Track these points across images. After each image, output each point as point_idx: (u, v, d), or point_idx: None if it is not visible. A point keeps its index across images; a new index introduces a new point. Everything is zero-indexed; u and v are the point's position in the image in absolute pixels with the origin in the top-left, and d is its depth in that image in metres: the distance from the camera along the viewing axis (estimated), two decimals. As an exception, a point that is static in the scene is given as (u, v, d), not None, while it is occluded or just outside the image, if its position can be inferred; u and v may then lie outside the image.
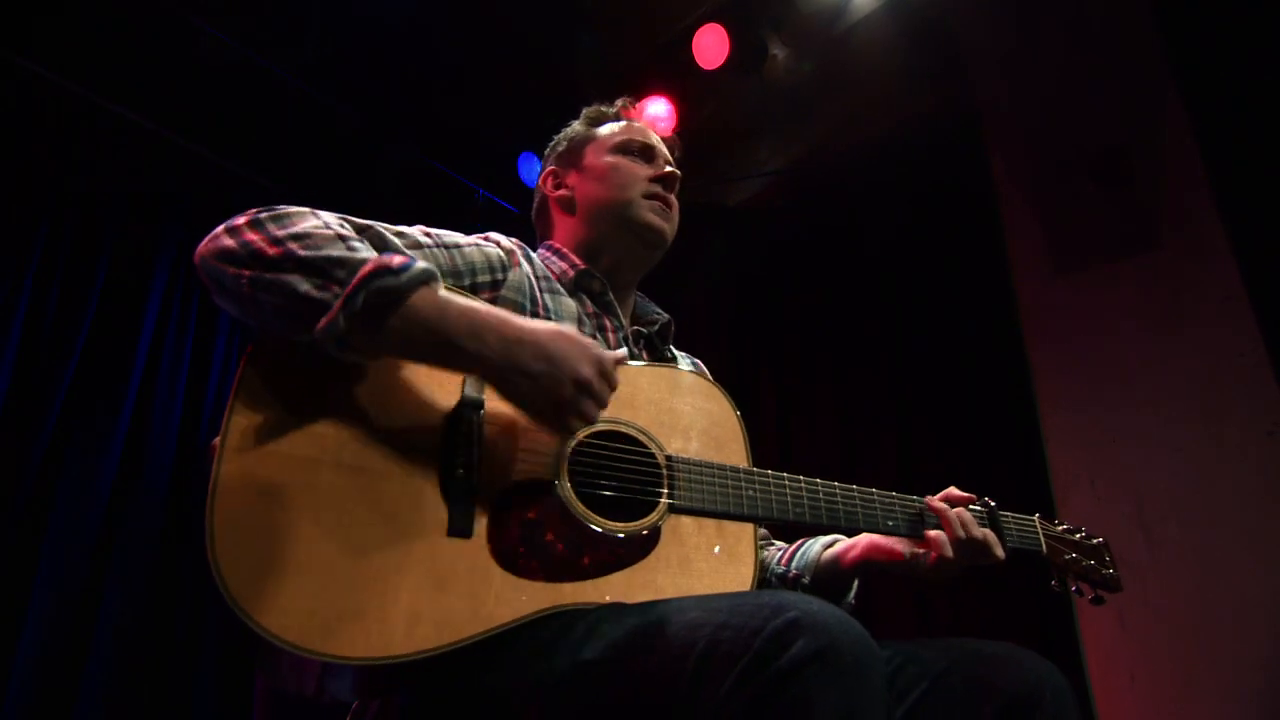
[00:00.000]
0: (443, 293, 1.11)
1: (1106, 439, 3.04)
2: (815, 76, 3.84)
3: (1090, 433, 3.09)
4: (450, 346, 1.08)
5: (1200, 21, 3.15)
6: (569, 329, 1.17)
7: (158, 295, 3.58)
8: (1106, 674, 2.83)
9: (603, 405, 1.16)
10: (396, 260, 1.08)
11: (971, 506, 1.50)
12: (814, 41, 3.73)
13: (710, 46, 3.69)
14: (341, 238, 1.11)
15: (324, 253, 1.07)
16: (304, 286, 1.04)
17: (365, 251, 1.11)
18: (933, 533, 1.43)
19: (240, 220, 1.12)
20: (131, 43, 3.30)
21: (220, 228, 1.12)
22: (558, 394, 1.11)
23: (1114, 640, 2.82)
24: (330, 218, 1.17)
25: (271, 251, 1.07)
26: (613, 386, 1.17)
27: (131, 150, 3.55)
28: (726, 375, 1.46)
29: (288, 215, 1.13)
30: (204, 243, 1.12)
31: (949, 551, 1.40)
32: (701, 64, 3.71)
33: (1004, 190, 3.60)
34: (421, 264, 1.10)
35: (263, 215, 1.13)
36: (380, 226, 1.25)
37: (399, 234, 1.30)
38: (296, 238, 1.09)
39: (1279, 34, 2.88)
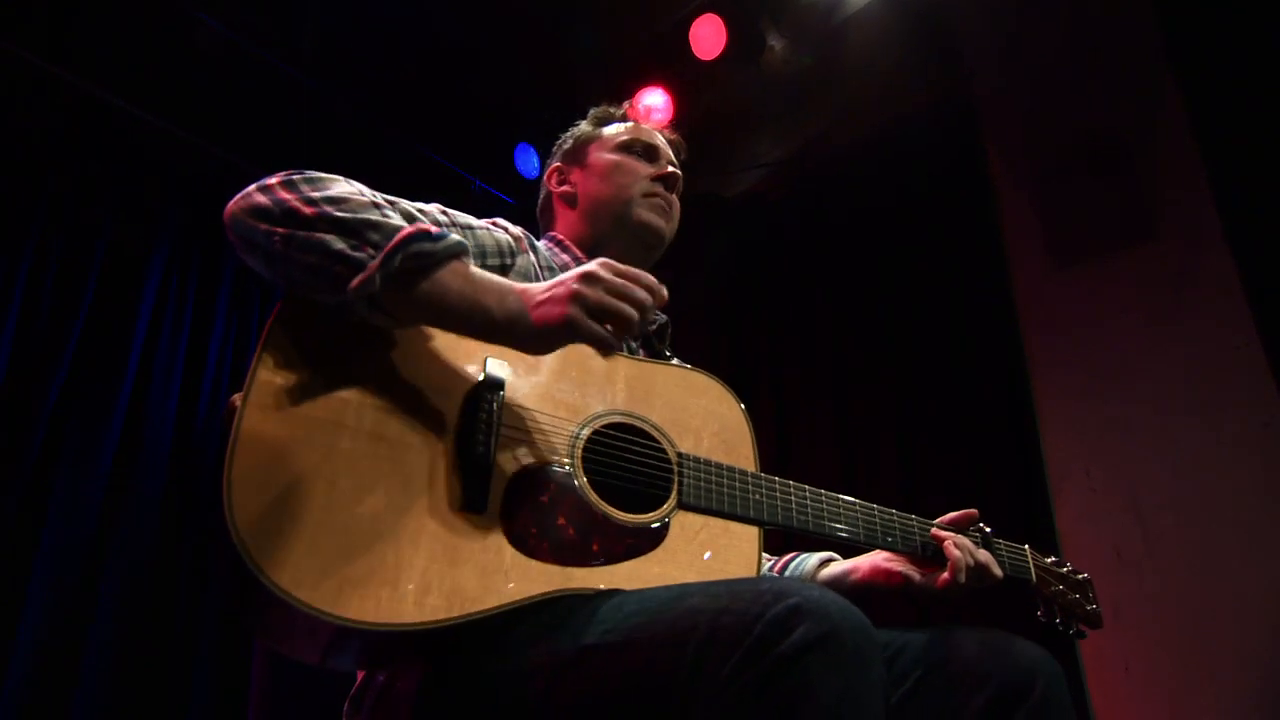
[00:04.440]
0: (472, 265, 1.14)
1: (1103, 430, 3.04)
2: (813, 68, 3.84)
3: (1086, 424, 3.10)
4: (479, 310, 1.10)
5: (1198, 12, 3.15)
6: None
7: (154, 283, 3.58)
8: (1101, 664, 2.84)
9: (617, 293, 1.10)
10: (435, 228, 1.12)
11: (968, 531, 1.52)
12: (811, 32, 3.72)
13: (707, 37, 3.67)
14: (375, 204, 1.14)
15: (360, 215, 1.09)
16: (339, 245, 1.06)
17: (398, 219, 1.13)
18: (946, 552, 1.43)
19: (273, 180, 1.13)
20: (126, 31, 3.29)
21: (252, 186, 1.13)
22: (564, 287, 1.09)
23: (1109, 630, 2.80)
24: (360, 186, 1.18)
25: (307, 211, 1.08)
26: (626, 276, 1.12)
27: (125, 139, 3.54)
28: (722, 367, 1.47)
29: (320, 178, 1.15)
30: (235, 200, 1.13)
31: (960, 578, 1.41)
32: (698, 55, 3.69)
33: (1001, 182, 3.60)
34: (455, 236, 1.13)
35: (295, 176, 1.14)
36: (403, 203, 1.26)
37: (419, 210, 1.31)
38: (331, 200, 1.10)
39: (1277, 26, 2.88)
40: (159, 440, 3.44)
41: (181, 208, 3.75)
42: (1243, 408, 2.75)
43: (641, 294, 1.12)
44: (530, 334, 1.10)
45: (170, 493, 3.41)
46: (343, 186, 1.15)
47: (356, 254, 1.05)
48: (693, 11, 3.69)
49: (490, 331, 1.12)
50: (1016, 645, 1.25)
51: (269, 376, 1.05)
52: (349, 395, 1.09)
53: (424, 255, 1.08)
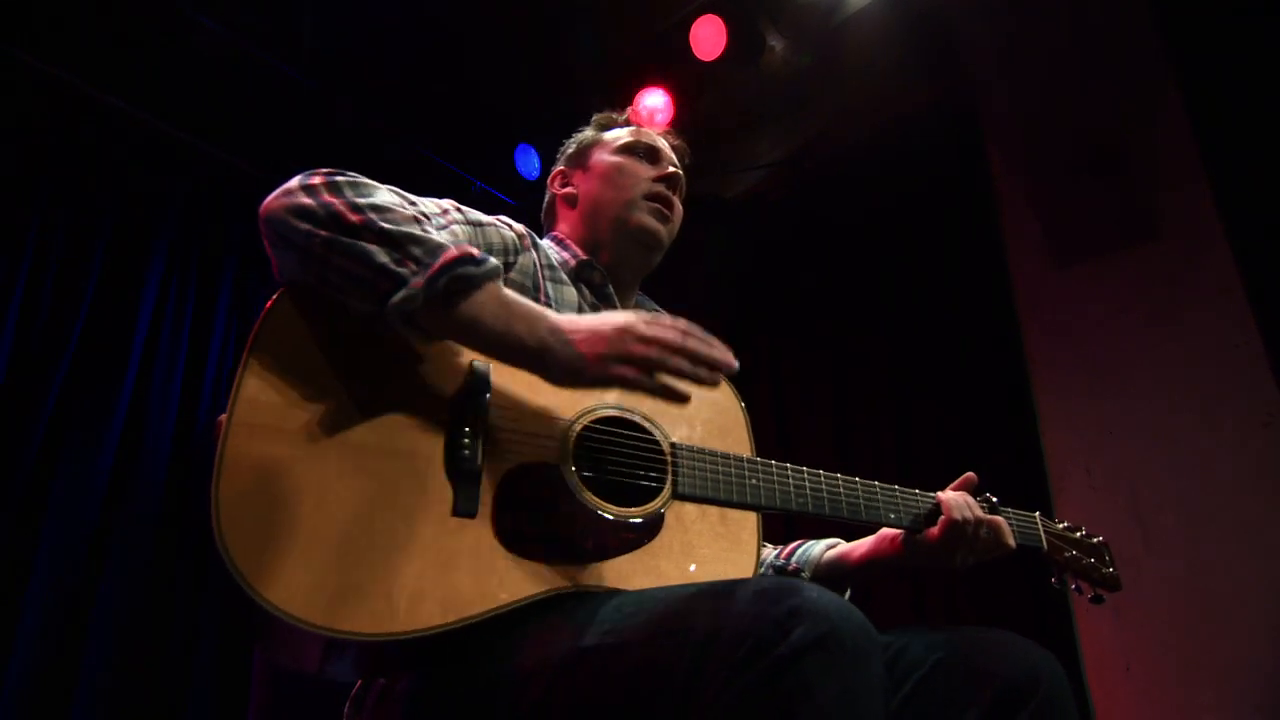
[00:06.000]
0: (505, 288, 1.15)
1: (1103, 430, 3.04)
2: (813, 68, 3.84)
3: (1087, 423, 3.10)
4: (510, 335, 1.11)
5: (1198, 13, 3.15)
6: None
7: (154, 283, 3.58)
8: (1102, 663, 2.84)
9: (657, 341, 1.12)
10: (478, 251, 1.13)
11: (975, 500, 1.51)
12: (812, 33, 3.72)
13: (708, 38, 3.67)
14: (417, 219, 1.15)
15: (405, 229, 1.10)
16: (382, 258, 1.07)
17: (438, 235, 1.15)
18: (940, 521, 1.43)
19: (316, 180, 1.14)
20: (126, 32, 3.29)
21: (293, 183, 1.14)
22: (601, 341, 1.11)
23: (1110, 630, 2.83)
24: (399, 194, 1.21)
25: (353, 218, 1.09)
26: (659, 338, 1.13)
27: (125, 140, 3.54)
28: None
29: (364, 184, 1.16)
30: (275, 196, 1.13)
31: (958, 544, 1.41)
32: (699, 55, 3.69)
33: (1001, 182, 3.60)
34: (494, 260, 1.14)
35: (340, 179, 1.14)
36: (424, 205, 1.29)
37: (438, 207, 1.34)
38: (377, 209, 1.11)
39: (1276, 27, 2.87)
40: (159, 440, 3.44)
41: (181, 208, 3.75)
42: (1242, 406, 2.75)
43: (672, 335, 1.13)
44: (559, 366, 1.11)
45: (170, 492, 3.40)
46: (385, 195, 1.16)
47: (399, 269, 1.07)
48: (693, 12, 3.68)
49: (519, 357, 1.13)
50: (1018, 645, 1.25)
51: (253, 392, 1.05)
52: (334, 407, 1.09)
53: (467, 278, 1.09)
